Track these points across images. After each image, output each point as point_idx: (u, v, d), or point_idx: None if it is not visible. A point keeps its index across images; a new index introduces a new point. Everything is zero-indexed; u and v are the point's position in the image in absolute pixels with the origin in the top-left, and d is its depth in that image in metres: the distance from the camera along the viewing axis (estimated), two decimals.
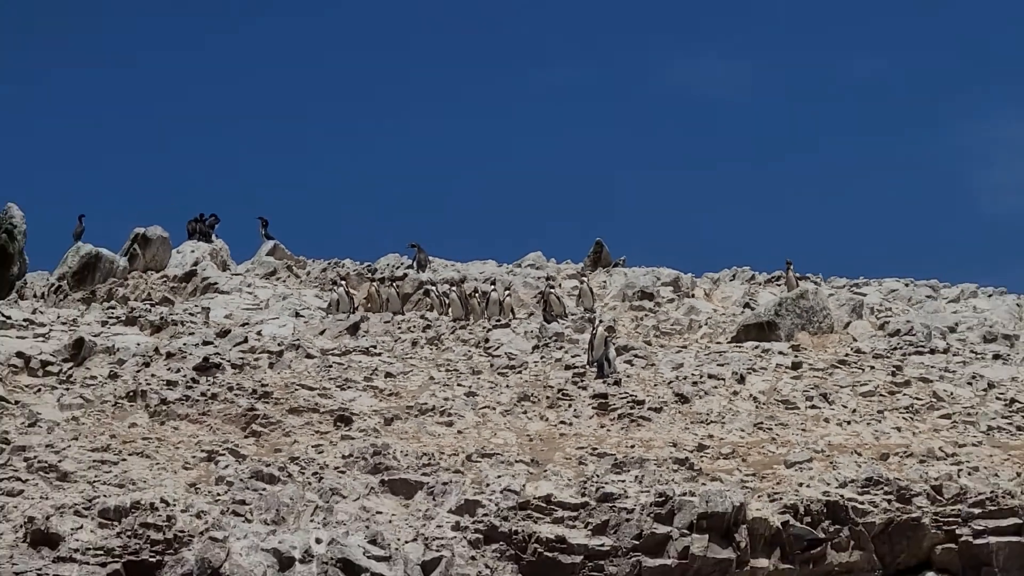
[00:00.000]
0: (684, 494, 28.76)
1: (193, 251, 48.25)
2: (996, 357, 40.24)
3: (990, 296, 48.74)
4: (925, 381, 37.01)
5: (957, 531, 29.35)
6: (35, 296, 44.05)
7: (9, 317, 39.17)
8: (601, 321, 40.46)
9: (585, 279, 45.97)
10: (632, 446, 31.46)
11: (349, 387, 34.78)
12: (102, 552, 27.20)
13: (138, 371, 35.11)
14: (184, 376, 34.65)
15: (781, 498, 29.22)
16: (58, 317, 39.85)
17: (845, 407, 34.90)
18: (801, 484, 29.73)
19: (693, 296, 47.13)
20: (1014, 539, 29.17)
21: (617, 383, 35.67)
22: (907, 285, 49.42)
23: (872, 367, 38.21)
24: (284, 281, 46.87)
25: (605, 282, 47.19)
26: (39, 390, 34.05)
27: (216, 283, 44.76)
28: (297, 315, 41.60)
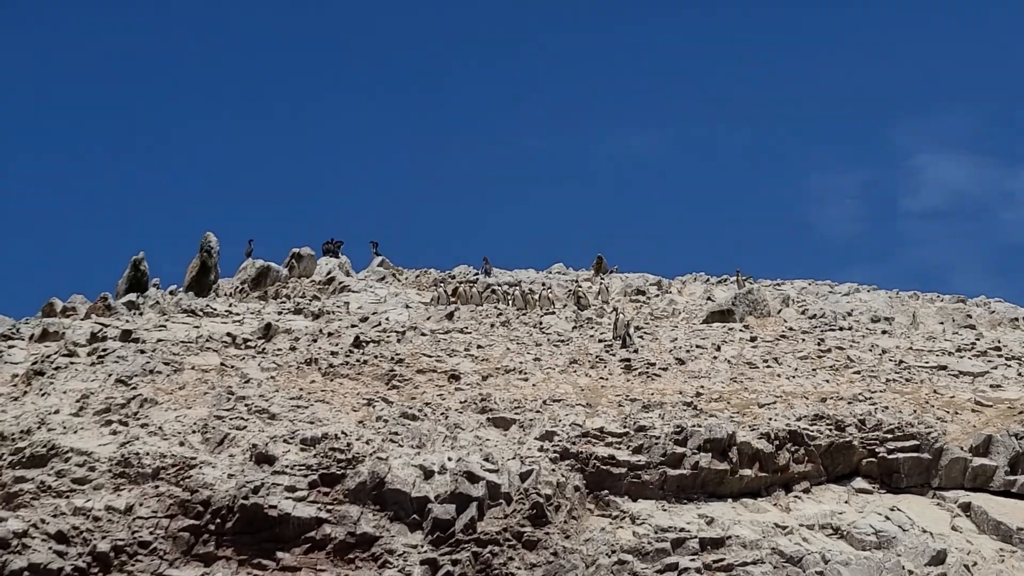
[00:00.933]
0: (693, 426, 29.12)
1: (327, 264, 48.68)
2: (884, 332, 40.74)
3: (869, 291, 49.18)
4: (840, 349, 37.31)
5: (876, 450, 29.52)
6: (226, 295, 44.52)
7: (216, 309, 39.74)
8: (618, 310, 40.96)
9: (602, 281, 46.56)
10: (652, 394, 31.85)
11: (454, 355, 35.15)
12: (304, 467, 27.83)
13: (309, 345, 35.58)
14: (342, 348, 35.14)
15: (758, 428, 29.63)
16: (247, 309, 40.19)
17: (789, 367, 35.16)
18: (770, 419, 30.14)
19: (671, 292, 47.64)
20: (913, 455, 29.47)
21: (636, 351, 36.14)
22: (810, 284, 49.83)
23: (803, 340, 38.57)
24: (391, 284, 47.26)
25: (608, 283, 47.54)
26: (244, 359, 34.56)
27: (348, 286, 45.12)
28: (407, 307, 42.07)
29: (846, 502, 28.79)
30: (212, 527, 26.90)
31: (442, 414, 30.19)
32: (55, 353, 34.55)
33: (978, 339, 39.85)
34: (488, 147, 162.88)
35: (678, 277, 49.66)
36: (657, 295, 46.23)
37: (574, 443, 28.82)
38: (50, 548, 26.42)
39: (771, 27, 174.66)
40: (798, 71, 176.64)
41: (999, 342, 39.88)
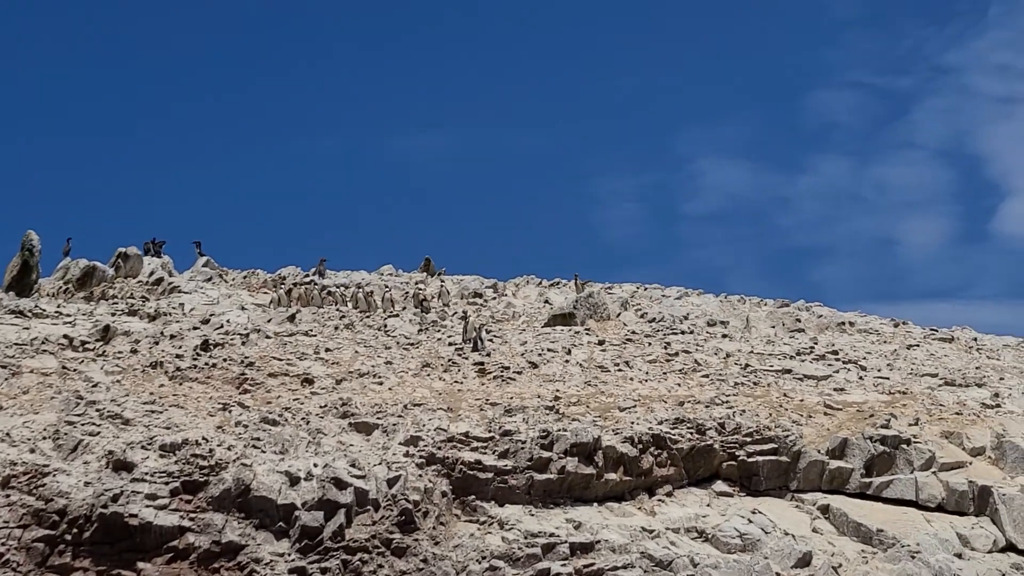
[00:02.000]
0: (559, 430, 29.24)
1: (150, 264, 47.66)
2: (724, 336, 41.61)
3: (699, 295, 50.19)
4: (687, 352, 37.93)
5: (736, 453, 30.04)
6: (49, 295, 43.24)
7: (45, 310, 38.61)
8: (467, 313, 41.03)
9: (442, 283, 46.52)
10: (512, 398, 31.91)
11: (304, 358, 34.72)
12: (165, 474, 27.16)
13: (151, 348, 34.78)
14: (187, 351, 34.42)
15: (621, 432, 29.93)
16: (78, 310, 39.09)
17: (640, 370, 35.58)
18: (632, 422, 30.44)
19: (507, 295, 47.88)
20: (772, 458, 30.08)
21: (488, 355, 36.22)
22: (640, 288, 50.60)
23: (649, 343, 39.23)
24: (219, 285, 46.48)
25: (445, 286, 47.58)
26: (83, 361, 33.64)
27: (179, 287, 44.21)
28: (243, 308, 41.47)
29: (708, 505, 29.29)
30: (68, 537, 26.02)
31: (303, 419, 29.80)
32: None
33: (815, 343, 41.00)
34: (277, 147, 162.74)
35: (512, 280, 49.94)
36: (494, 298, 46.45)
37: (440, 448, 28.73)
38: None
39: (557, 33, 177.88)
40: (581, 77, 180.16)
41: (834, 346, 41.13)
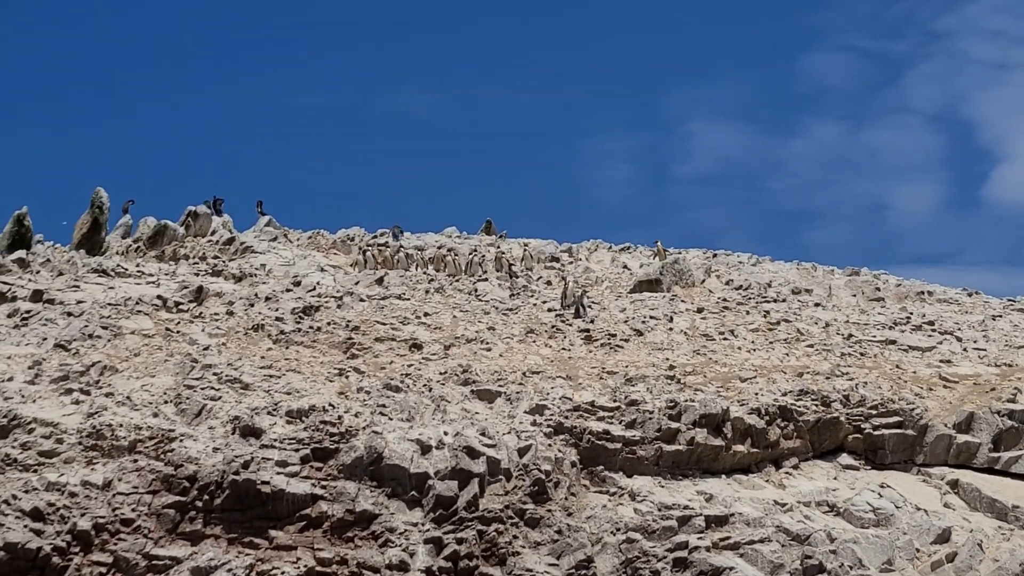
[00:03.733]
0: (687, 401, 29.32)
1: (215, 223, 47.42)
2: (817, 305, 41.62)
3: (772, 262, 50.14)
4: (787, 322, 38.02)
5: (861, 426, 30.18)
6: (118, 254, 43.12)
7: (127, 269, 38.49)
8: (567, 279, 40.99)
9: (525, 247, 46.35)
10: (626, 366, 31.95)
11: (407, 323, 34.70)
12: (295, 441, 27.17)
13: (247, 310, 34.75)
14: (286, 314, 34.36)
15: (747, 403, 29.97)
16: (160, 269, 39.07)
17: (746, 340, 35.53)
18: (756, 393, 30.49)
19: (580, 259, 47.76)
20: (898, 431, 30.18)
21: (592, 321, 36.24)
22: (713, 255, 50.26)
23: (747, 311, 39.22)
24: (289, 246, 46.24)
25: (526, 249, 47.27)
26: (179, 323, 33.60)
27: (252, 247, 43.95)
28: (322, 270, 41.34)
29: (835, 478, 29.34)
30: (199, 504, 26.07)
31: (424, 386, 29.81)
32: None
33: (910, 314, 40.96)
34: (272, 100, 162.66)
35: (582, 243, 49.75)
36: (570, 262, 46.34)
37: (567, 417, 28.74)
38: (25, 526, 25.29)
39: None
40: (575, 36, 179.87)
41: (925, 316, 41.11)
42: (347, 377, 30.01)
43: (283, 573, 25.33)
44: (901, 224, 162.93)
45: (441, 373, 30.53)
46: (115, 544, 25.55)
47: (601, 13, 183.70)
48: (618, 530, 26.69)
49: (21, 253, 40.36)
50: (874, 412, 30.38)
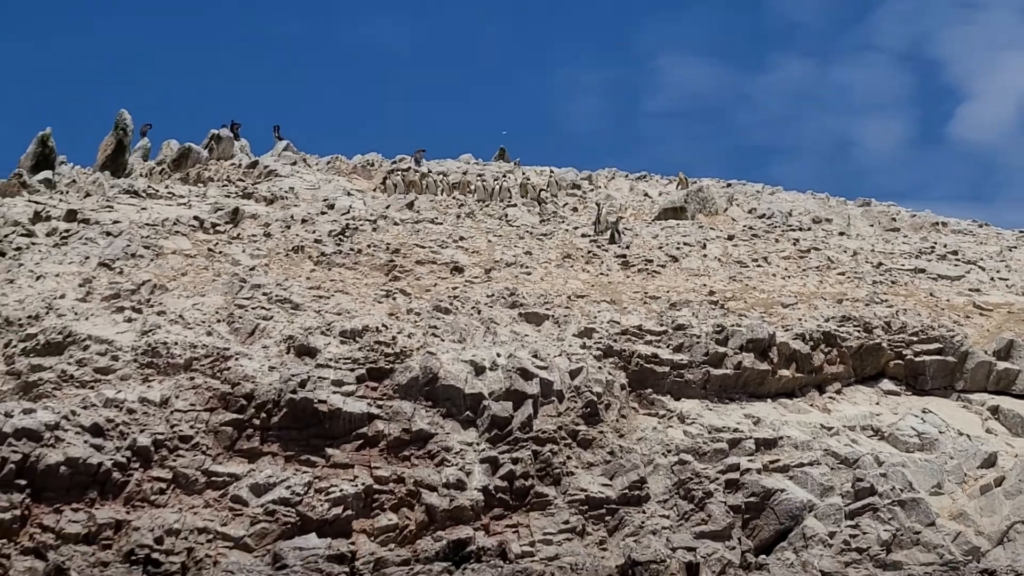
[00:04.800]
0: (733, 325, 29.59)
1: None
2: (841, 234, 41.92)
3: (788, 192, 50.23)
4: (816, 250, 38.31)
5: (903, 352, 30.52)
6: (141, 175, 43.11)
7: (158, 191, 38.54)
8: (597, 204, 41.13)
9: (551, 174, 46.38)
10: (668, 291, 32.18)
11: (445, 247, 34.86)
12: (350, 361, 27.37)
13: (285, 232, 34.88)
14: (324, 237, 34.52)
15: (791, 329, 30.31)
16: (190, 191, 39.11)
17: (779, 267, 35.94)
18: (800, 319, 30.83)
19: (600, 187, 47.82)
20: (939, 358, 30.55)
21: (628, 247, 36.47)
22: (728, 185, 50.33)
23: (776, 239, 39.51)
24: (310, 170, 46.16)
25: (552, 176, 47.27)
26: (217, 243, 33.70)
27: (275, 170, 43.85)
28: (349, 194, 41.34)
29: (877, 403, 29.73)
30: (256, 421, 26.27)
31: (473, 308, 30.01)
32: (8, 232, 33.31)
33: (933, 244, 41.29)
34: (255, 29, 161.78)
35: (599, 171, 49.79)
36: (591, 190, 46.41)
37: (615, 340, 29.03)
38: (85, 442, 25.44)
39: None
40: None
41: (947, 246, 41.44)
42: (395, 299, 30.19)
43: (341, 490, 25.50)
44: (868, 160, 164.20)
45: (488, 296, 30.72)
46: (174, 460, 25.76)
47: None
48: (669, 452, 27.02)
49: (47, 174, 40.41)
50: (915, 339, 30.73)
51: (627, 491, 26.22)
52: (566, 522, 25.64)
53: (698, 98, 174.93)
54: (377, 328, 28.14)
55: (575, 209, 41.49)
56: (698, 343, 29.21)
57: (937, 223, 47.36)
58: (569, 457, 26.67)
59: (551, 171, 47.26)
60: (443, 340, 28.30)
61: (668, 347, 29.19)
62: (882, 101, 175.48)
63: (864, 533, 25.67)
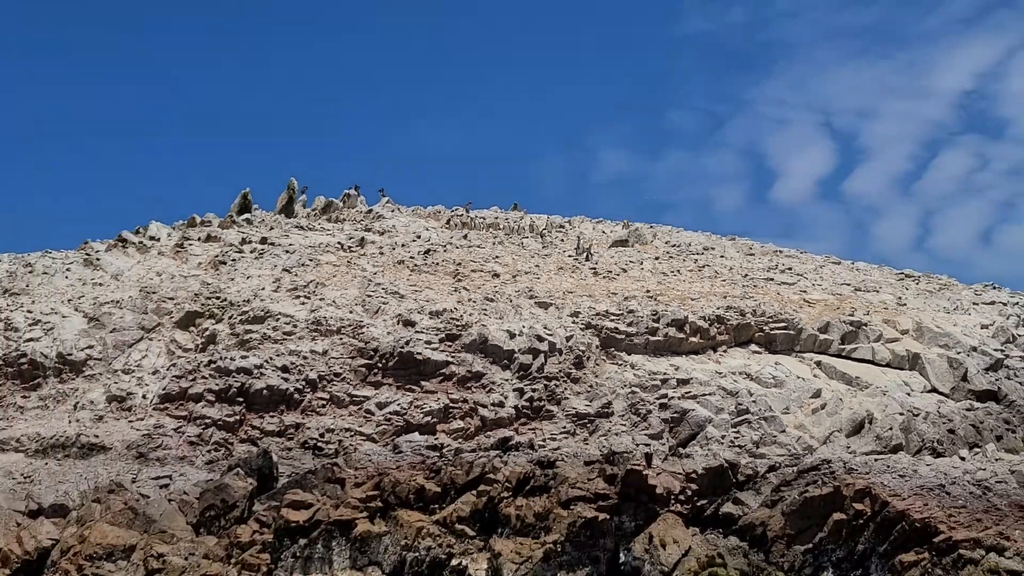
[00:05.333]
0: (663, 310, 29.26)
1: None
2: (721, 256, 41.69)
3: (685, 232, 49.86)
4: (708, 266, 37.23)
5: (763, 327, 29.86)
6: (303, 217, 42.84)
7: (315, 226, 38.30)
8: (579, 237, 41.03)
9: (548, 218, 46.00)
10: (624, 290, 31.65)
11: (488, 261, 33.97)
12: (435, 330, 26.98)
13: (392, 251, 34.42)
14: (416, 255, 34.01)
15: (697, 312, 29.84)
16: (333, 227, 38.43)
17: (687, 276, 35.13)
18: (701, 307, 30.23)
19: (575, 227, 47.56)
20: (784, 331, 29.93)
21: (596, 263, 35.56)
22: (652, 227, 50.01)
23: (683, 260, 38.77)
24: (402, 215, 45.93)
25: (548, 219, 47.08)
26: (351, 260, 33.16)
27: (382, 215, 42.36)
28: (427, 229, 41.19)
29: (748, 359, 29.29)
30: (379, 365, 26.32)
31: (507, 299, 29.83)
32: (227, 249, 33.24)
33: (776, 264, 40.77)
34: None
35: (573, 218, 49.36)
36: (571, 228, 46.01)
37: (592, 319, 28.82)
38: (280, 375, 25.60)
39: None
40: None
41: (784, 265, 40.85)
42: (459, 293, 30.05)
43: (430, 407, 25.60)
44: (723, 212, 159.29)
45: (515, 291, 30.49)
46: (330, 387, 25.82)
47: None
48: (625, 386, 26.88)
49: (247, 215, 40.21)
50: (770, 320, 30.33)
51: (600, 409, 26.20)
52: (564, 428, 25.65)
53: (621, 175, 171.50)
54: (450, 310, 28.08)
55: (562, 239, 41.16)
56: (641, 321, 29.02)
57: (777, 251, 46.92)
58: (566, 388, 26.62)
59: (547, 217, 46.92)
60: (489, 317, 28.19)
61: (624, 323, 28.96)
62: (730, 176, 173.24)
63: (742, 435, 25.50)
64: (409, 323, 27.40)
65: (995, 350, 30.87)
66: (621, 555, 18.77)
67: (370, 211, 43.67)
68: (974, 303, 36.71)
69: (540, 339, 27.30)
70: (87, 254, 32.64)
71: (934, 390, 28.71)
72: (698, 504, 20.61)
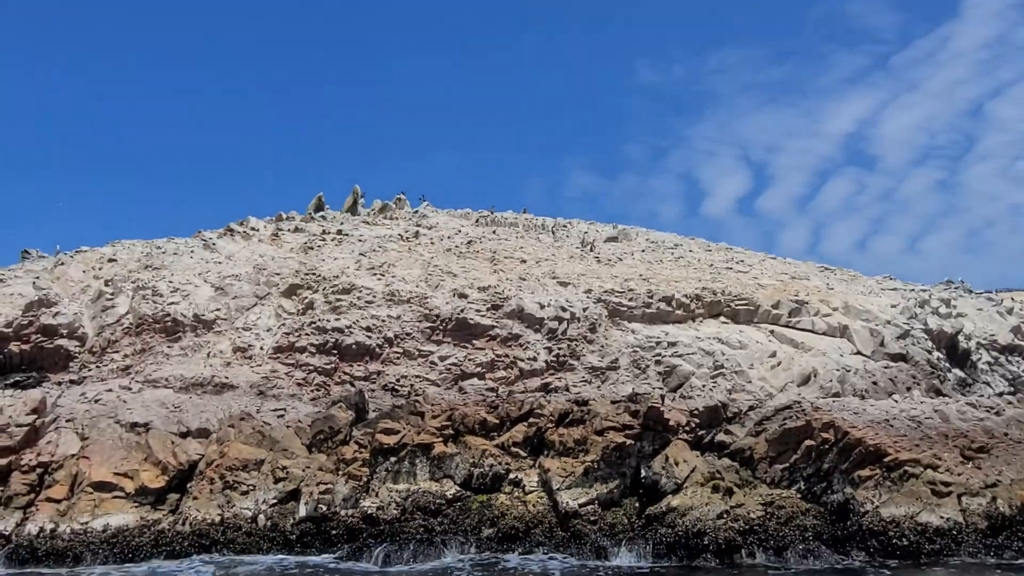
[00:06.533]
0: (654, 289, 29.71)
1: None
2: (690, 251, 41.95)
3: (657, 232, 50.03)
4: (681, 257, 38.17)
5: (731, 303, 30.65)
6: (366, 215, 42.75)
7: (377, 222, 38.25)
8: (583, 233, 40.93)
9: (555, 221, 46.09)
10: (622, 273, 32.14)
11: (517, 251, 34.35)
12: (484, 301, 26.97)
13: (440, 242, 34.51)
14: (460, 245, 34.36)
15: (681, 291, 30.21)
16: (390, 223, 38.40)
17: (667, 264, 35.61)
18: (683, 288, 30.60)
19: (576, 225, 47.65)
20: (747, 307, 30.27)
21: (599, 254, 36.24)
22: (633, 228, 50.22)
23: (661, 252, 39.30)
24: (442, 214, 45.86)
25: (556, 221, 47.18)
26: (410, 248, 33.19)
27: (427, 215, 43.24)
28: (462, 227, 41.13)
29: (719, 328, 29.44)
30: (440, 328, 26.33)
31: (536, 279, 29.95)
32: (312, 238, 33.21)
33: (731, 257, 41.13)
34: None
35: (572, 219, 49.36)
36: (574, 227, 46.06)
37: (602, 295, 28.92)
38: (364, 334, 25.62)
39: None
40: None
41: (736, 258, 41.27)
42: (498, 274, 30.08)
43: (480, 360, 25.63)
44: (662, 221, 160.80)
45: (541, 273, 30.60)
46: (403, 344, 25.84)
47: None
48: (628, 347, 26.95)
49: (323, 213, 40.23)
50: (735, 299, 30.54)
51: (610, 364, 26.23)
52: (583, 377, 25.67)
53: (587, 192, 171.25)
54: (493, 286, 28.13)
55: (568, 235, 41.23)
56: (639, 297, 29.10)
57: (728, 248, 47.09)
58: (583, 348, 26.68)
59: (556, 219, 46.98)
60: (523, 292, 28.22)
61: (625, 299, 29.01)
62: (670, 195, 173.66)
63: (719, 385, 25.64)
64: (462, 295, 27.48)
65: (903, 324, 31.15)
66: (643, 471, 18.96)
67: (416, 211, 43.61)
68: (882, 289, 37.03)
69: (563, 309, 27.43)
70: (204, 240, 32.55)
71: (859, 353, 28.92)
72: (699, 433, 20.90)
